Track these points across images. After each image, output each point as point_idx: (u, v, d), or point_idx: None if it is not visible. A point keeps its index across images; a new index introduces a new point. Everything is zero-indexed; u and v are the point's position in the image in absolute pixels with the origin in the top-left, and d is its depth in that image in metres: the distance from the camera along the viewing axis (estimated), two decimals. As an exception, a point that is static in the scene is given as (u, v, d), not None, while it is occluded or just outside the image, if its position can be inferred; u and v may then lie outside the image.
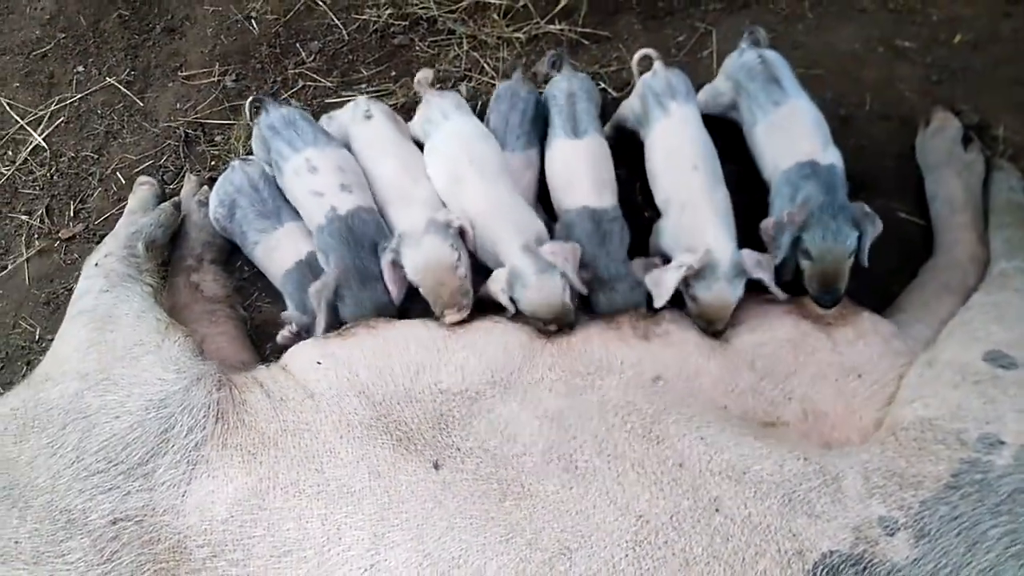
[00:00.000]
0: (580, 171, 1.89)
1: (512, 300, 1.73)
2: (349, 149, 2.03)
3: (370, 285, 1.79)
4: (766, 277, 1.73)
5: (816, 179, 1.75)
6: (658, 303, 1.72)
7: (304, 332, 1.84)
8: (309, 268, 1.90)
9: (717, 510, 1.36)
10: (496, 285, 1.73)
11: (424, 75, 2.16)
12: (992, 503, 1.27)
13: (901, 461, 1.38)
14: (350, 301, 1.78)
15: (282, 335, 1.85)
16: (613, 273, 1.79)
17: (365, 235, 1.82)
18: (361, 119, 2.04)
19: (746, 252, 1.74)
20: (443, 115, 1.99)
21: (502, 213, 1.79)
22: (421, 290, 1.77)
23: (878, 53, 2.29)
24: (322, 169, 1.89)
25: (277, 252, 1.97)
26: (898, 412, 1.50)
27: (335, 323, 1.81)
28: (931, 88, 2.22)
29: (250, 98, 2.03)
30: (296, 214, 1.99)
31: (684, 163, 1.84)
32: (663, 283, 1.72)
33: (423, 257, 1.74)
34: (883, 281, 1.94)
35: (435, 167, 1.93)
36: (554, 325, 1.71)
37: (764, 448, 1.45)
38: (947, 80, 2.22)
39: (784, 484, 1.38)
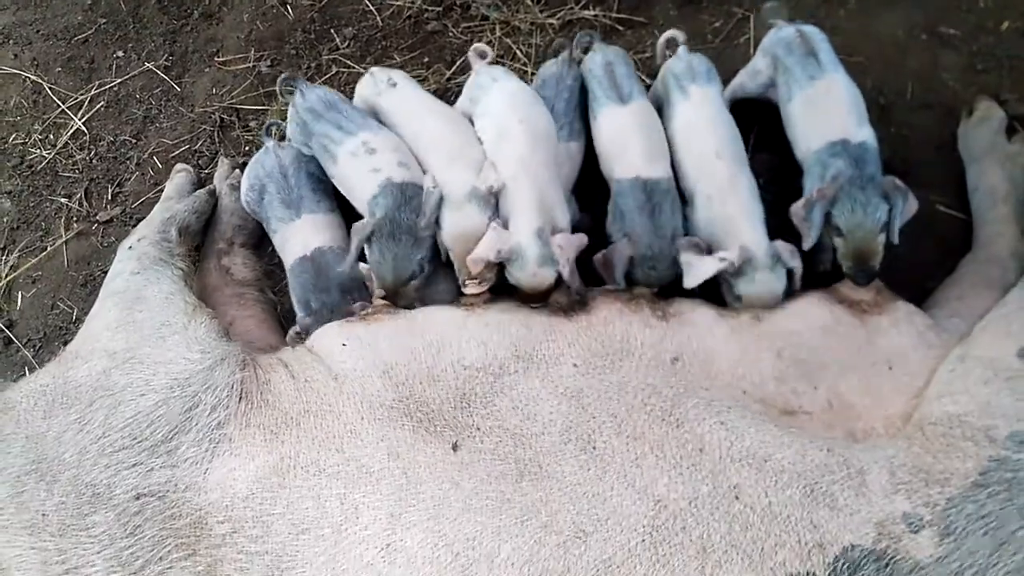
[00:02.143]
0: (631, 138, 1.85)
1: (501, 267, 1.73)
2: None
3: (399, 237, 1.76)
4: (797, 268, 1.72)
5: (846, 155, 1.72)
6: (687, 284, 1.72)
7: (305, 333, 1.83)
8: (312, 264, 1.91)
9: (737, 497, 1.34)
10: (493, 246, 1.71)
11: (482, 48, 2.13)
12: (1021, 503, 1.23)
13: (928, 457, 1.34)
14: (376, 248, 1.76)
15: (289, 335, 1.87)
16: (656, 252, 1.75)
17: (415, 201, 1.80)
18: (387, 88, 2.02)
19: (779, 243, 1.73)
20: (492, 79, 1.96)
21: (532, 184, 1.76)
22: (451, 254, 1.78)
23: (921, 40, 2.22)
24: (380, 150, 1.87)
25: (289, 243, 1.97)
26: (927, 407, 1.46)
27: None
28: (975, 76, 2.14)
29: (281, 76, 2.03)
30: (314, 207, 1.99)
31: (707, 150, 1.82)
32: (698, 269, 1.71)
33: (460, 225, 1.75)
34: (920, 276, 1.89)
35: (485, 129, 1.90)
36: (533, 302, 1.73)
37: (786, 437, 1.42)
38: (992, 68, 2.15)
39: (806, 474, 1.35)
